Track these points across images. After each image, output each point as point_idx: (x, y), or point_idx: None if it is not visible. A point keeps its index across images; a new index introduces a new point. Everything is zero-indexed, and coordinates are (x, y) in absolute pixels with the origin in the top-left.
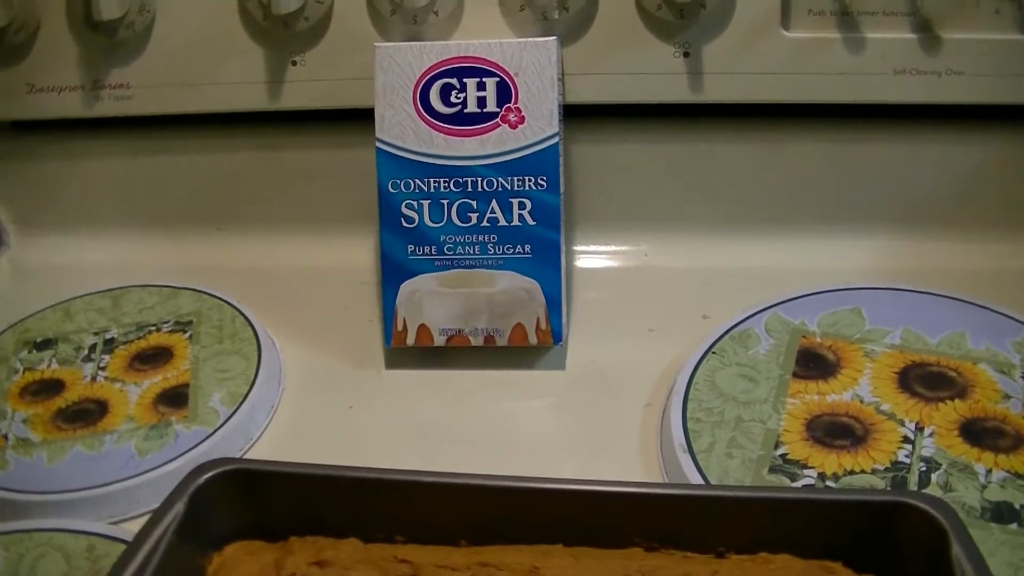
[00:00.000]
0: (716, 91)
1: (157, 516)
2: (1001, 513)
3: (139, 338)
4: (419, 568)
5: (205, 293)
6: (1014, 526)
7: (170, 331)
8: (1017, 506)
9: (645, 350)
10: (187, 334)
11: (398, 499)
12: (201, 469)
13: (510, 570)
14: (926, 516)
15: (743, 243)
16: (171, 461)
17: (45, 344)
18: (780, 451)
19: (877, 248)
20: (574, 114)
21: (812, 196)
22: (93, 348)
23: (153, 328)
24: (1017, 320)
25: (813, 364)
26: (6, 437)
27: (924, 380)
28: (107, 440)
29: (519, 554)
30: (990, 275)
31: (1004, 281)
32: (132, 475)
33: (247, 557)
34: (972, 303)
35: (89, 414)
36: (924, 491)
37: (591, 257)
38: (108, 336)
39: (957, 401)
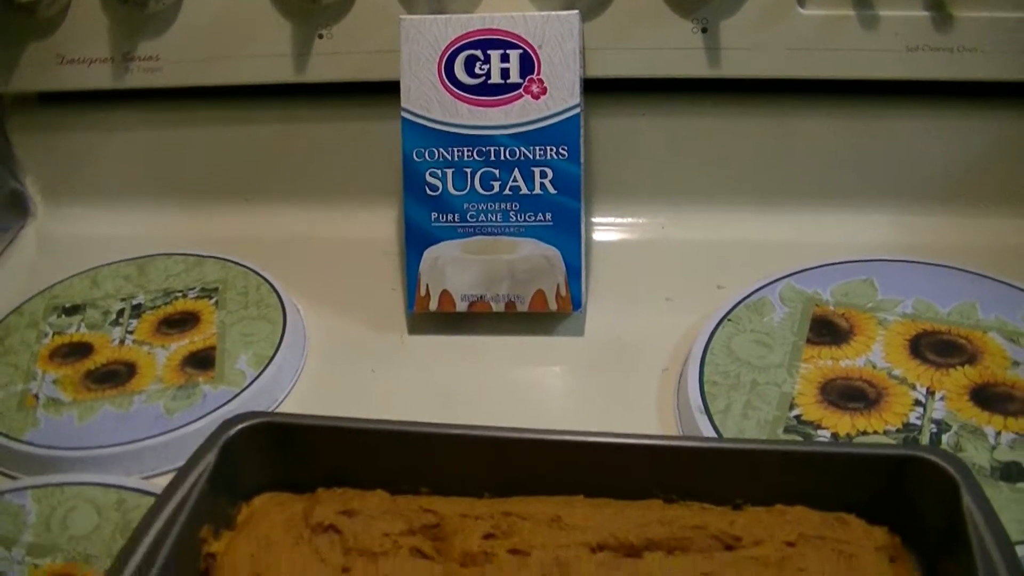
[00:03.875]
0: (732, 66)
1: (189, 466)
2: (1010, 472)
3: (166, 304)
4: (443, 518)
5: (230, 262)
6: (1022, 484)
7: (196, 297)
8: None
9: (662, 318)
10: (213, 300)
11: (423, 452)
12: (232, 422)
13: (532, 520)
14: (938, 469)
15: (758, 216)
16: (199, 420)
17: (74, 309)
18: (795, 412)
19: (890, 222)
20: (594, 89)
21: (826, 171)
22: (121, 313)
23: (179, 294)
24: None
25: (827, 331)
26: (37, 397)
27: (935, 347)
28: (136, 400)
29: (541, 504)
30: (1001, 249)
31: (1015, 255)
32: (161, 432)
33: (276, 507)
34: (983, 275)
35: (118, 375)
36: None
37: (610, 229)
38: (135, 302)
39: (967, 367)
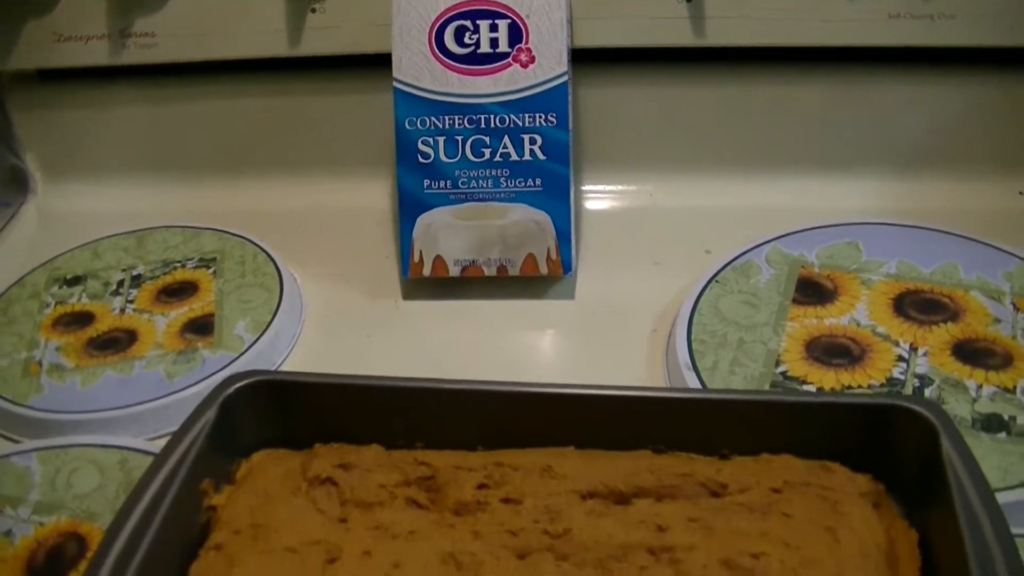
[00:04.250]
0: (717, 35)
1: (189, 423)
2: (990, 423)
3: (165, 274)
4: (437, 470)
5: (228, 233)
6: (1002, 435)
7: (195, 267)
8: (1006, 417)
9: (651, 282)
10: (211, 270)
11: (418, 407)
12: (231, 380)
13: (524, 470)
14: (918, 417)
15: (745, 183)
16: (198, 383)
17: (75, 280)
18: (780, 369)
19: (874, 188)
20: (583, 59)
21: (811, 138)
22: (121, 283)
23: (178, 264)
24: (1008, 252)
25: (812, 291)
26: (40, 364)
27: (918, 306)
28: (137, 365)
29: (533, 456)
30: (982, 213)
31: (996, 218)
32: (161, 396)
33: (274, 462)
34: (965, 237)
35: (119, 342)
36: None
37: (600, 197)
38: (135, 273)
39: (950, 324)
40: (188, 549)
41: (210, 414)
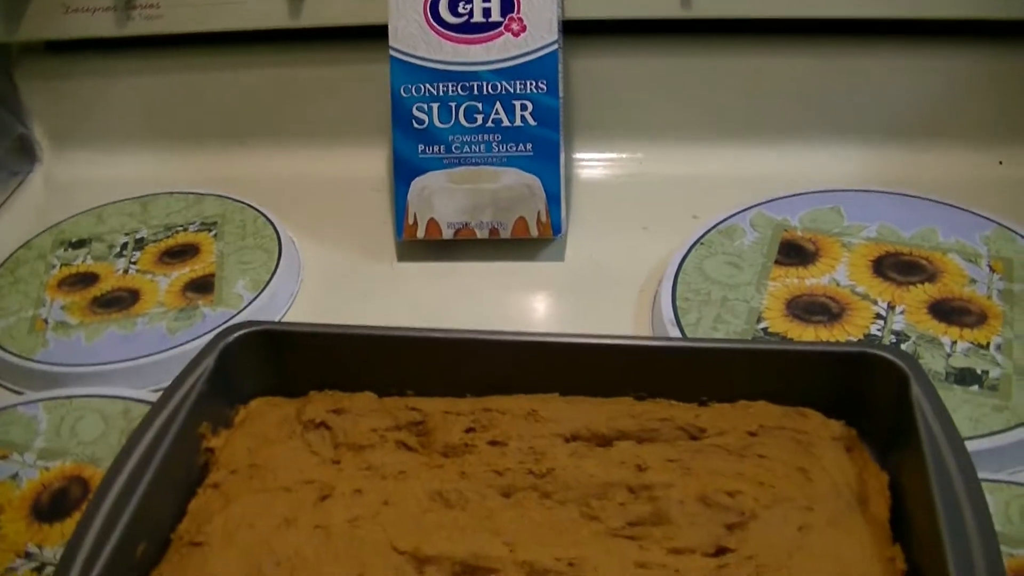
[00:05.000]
0: (706, 7)
1: (189, 368)
2: (964, 377)
3: (167, 237)
4: (427, 415)
5: (229, 199)
6: (975, 388)
7: (196, 230)
8: (979, 371)
9: (639, 245)
10: (212, 233)
11: (410, 356)
12: (230, 329)
13: (510, 414)
14: (889, 364)
15: (731, 152)
16: (199, 337)
17: (80, 244)
18: (762, 325)
19: (858, 156)
20: (575, 30)
21: (797, 108)
22: (124, 246)
23: (181, 228)
24: (985, 217)
25: (794, 253)
26: (46, 321)
27: (897, 267)
28: (140, 322)
29: (519, 401)
30: (962, 181)
31: (975, 185)
32: (163, 350)
33: (271, 409)
34: (944, 203)
35: (122, 301)
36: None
37: (590, 164)
38: (138, 236)
39: (927, 284)
40: (187, 488)
41: (209, 361)
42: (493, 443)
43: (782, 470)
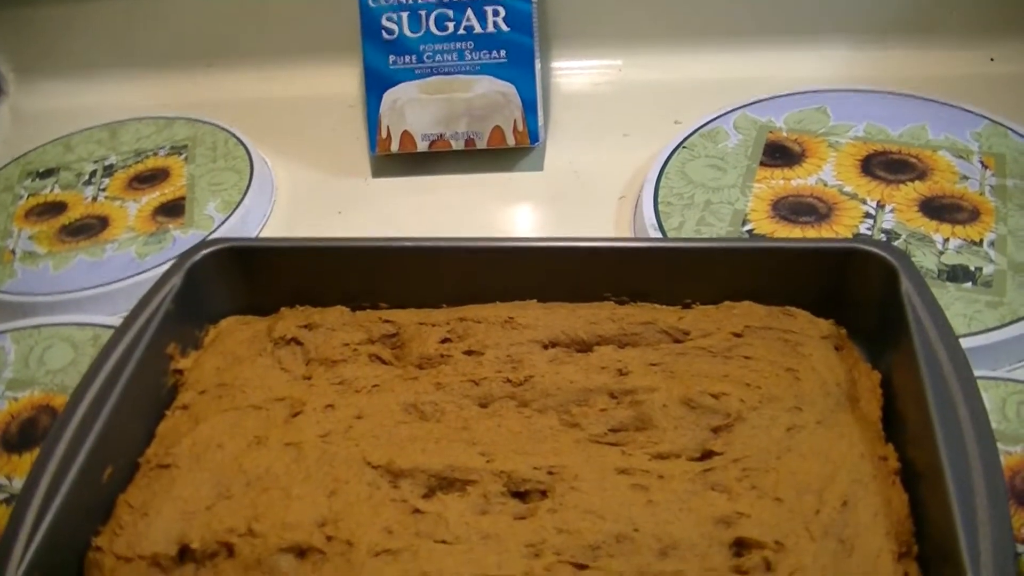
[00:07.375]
0: None
1: (155, 289)
2: (956, 274)
3: (137, 162)
4: (401, 327)
5: (199, 121)
6: (968, 284)
7: (167, 155)
8: (972, 268)
9: (619, 152)
10: (183, 156)
11: (381, 267)
12: (197, 247)
13: (487, 322)
14: (877, 259)
15: (713, 55)
16: (169, 261)
17: (47, 173)
18: (747, 227)
19: (844, 56)
20: None
21: (781, 6)
22: (93, 174)
23: (150, 153)
24: (977, 113)
25: (779, 154)
26: (13, 252)
27: (886, 166)
28: (108, 248)
29: (495, 309)
30: (951, 78)
31: (967, 84)
32: (132, 274)
33: (241, 327)
34: (933, 100)
35: (91, 228)
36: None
37: (568, 72)
38: (107, 163)
39: (917, 182)
40: (157, 411)
41: (176, 280)
42: (469, 352)
43: (769, 370)
